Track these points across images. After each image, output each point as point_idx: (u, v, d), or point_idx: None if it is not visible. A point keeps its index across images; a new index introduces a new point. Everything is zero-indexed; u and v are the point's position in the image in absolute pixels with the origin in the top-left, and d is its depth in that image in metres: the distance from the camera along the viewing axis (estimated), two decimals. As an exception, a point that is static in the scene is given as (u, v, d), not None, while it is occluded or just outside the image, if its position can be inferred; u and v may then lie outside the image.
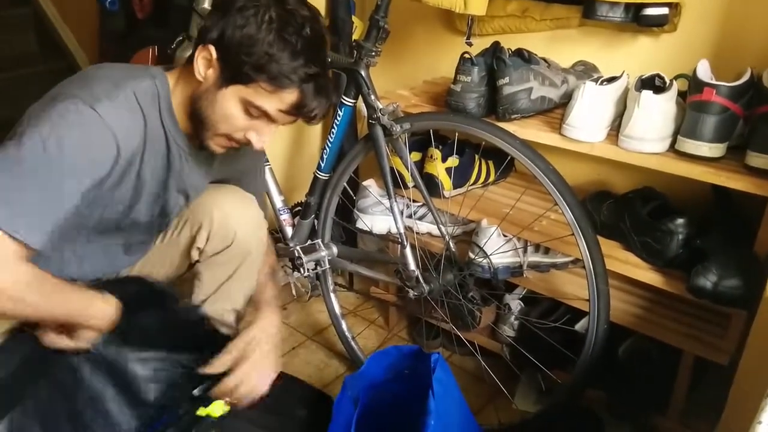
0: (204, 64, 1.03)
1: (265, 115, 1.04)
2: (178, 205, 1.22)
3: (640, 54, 1.50)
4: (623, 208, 1.40)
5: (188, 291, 1.36)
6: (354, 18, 1.85)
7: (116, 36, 2.60)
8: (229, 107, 1.03)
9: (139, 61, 2.12)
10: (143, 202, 1.15)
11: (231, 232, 1.25)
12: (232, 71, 1.01)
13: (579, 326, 1.50)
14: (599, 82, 1.35)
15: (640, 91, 1.25)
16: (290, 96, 1.01)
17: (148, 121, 1.06)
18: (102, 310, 1.03)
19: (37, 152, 0.92)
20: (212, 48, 1.01)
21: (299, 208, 1.69)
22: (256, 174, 1.40)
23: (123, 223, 1.16)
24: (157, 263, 1.32)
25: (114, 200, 1.10)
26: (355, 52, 1.42)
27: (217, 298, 1.34)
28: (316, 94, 1.02)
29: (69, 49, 3.01)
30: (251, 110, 1.03)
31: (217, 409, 1.15)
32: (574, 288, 1.48)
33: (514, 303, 1.60)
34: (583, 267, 1.30)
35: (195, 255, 1.30)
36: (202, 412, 1.14)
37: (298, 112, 1.04)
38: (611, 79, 1.37)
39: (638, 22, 1.39)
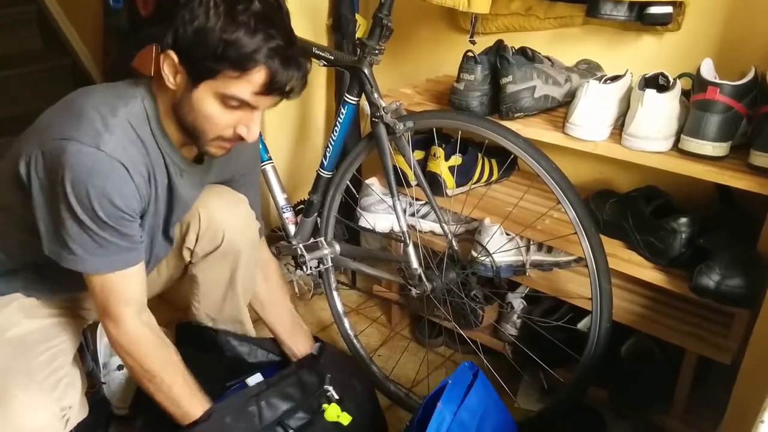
0: (170, 71, 1.01)
1: (243, 104, 1.01)
2: (179, 216, 1.23)
3: (644, 53, 1.50)
4: (626, 207, 1.39)
5: (188, 293, 1.38)
6: (357, 16, 1.85)
7: (120, 33, 2.60)
8: (207, 107, 1.00)
9: (142, 58, 2.12)
10: (160, 222, 1.17)
11: (219, 233, 1.26)
12: (196, 69, 0.98)
13: (581, 325, 1.50)
14: (603, 80, 1.35)
15: (644, 90, 1.25)
16: (259, 76, 0.97)
17: (147, 144, 1.06)
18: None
19: (80, 217, 0.99)
20: (172, 53, 0.99)
21: (302, 206, 1.69)
22: (252, 175, 1.38)
23: (150, 244, 1.19)
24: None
25: (148, 227, 1.14)
26: (359, 50, 1.42)
27: (224, 308, 1.36)
28: (284, 67, 0.98)
29: (73, 47, 3.01)
30: (228, 102, 1.00)
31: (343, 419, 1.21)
32: (577, 287, 1.48)
33: (517, 301, 1.60)
34: (586, 266, 1.30)
35: (187, 256, 1.31)
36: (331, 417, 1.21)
37: (271, 89, 0.99)
38: (615, 78, 1.36)
39: (642, 20, 1.39)
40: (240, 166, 1.31)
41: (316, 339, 1.41)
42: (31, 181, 1.00)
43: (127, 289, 1.07)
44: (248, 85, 0.98)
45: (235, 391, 1.27)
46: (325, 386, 1.22)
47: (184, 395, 1.11)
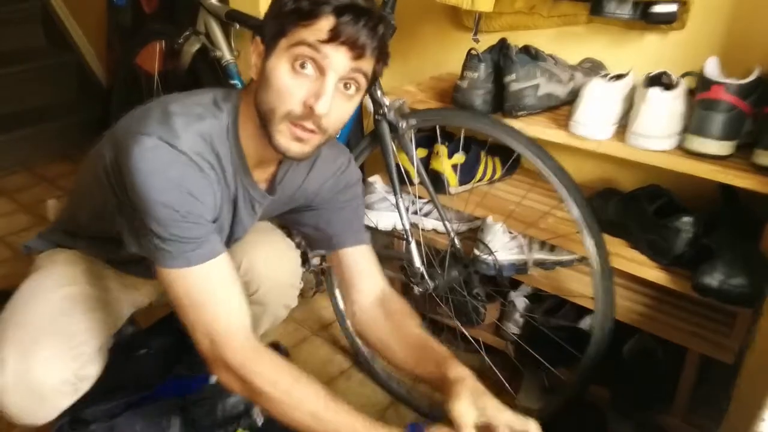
0: (256, 57, 0.98)
1: (312, 62, 0.92)
2: (234, 240, 1.20)
3: (648, 51, 1.49)
4: (629, 206, 1.39)
5: None
6: (361, 14, 1.85)
7: (123, 30, 2.61)
8: (278, 74, 0.93)
9: (146, 56, 2.13)
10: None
11: (254, 284, 1.25)
12: (272, 33, 0.94)
13: (584, 324, 1.50)
14: (607, 79, 1.34)
15: (648, 88, 1.24)
16: (326, 23, 0.90)
17: (222, 161, 1.01)
18: None
19: (161, 217, 0.93)
20: (257, 38, 0.97)
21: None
22: (338, 201, 1.21)
23: None
24: None
25: None
26: (362, 47, 1.42)
27: None
28: (354, 21, 0.90)
29: (76, 44, 3.02)
30: (297, 60, 0.92)
31: None
32: (580, 285, 1.48)
33: (519, 300, 1.60)
34: (589, 265, 1.30)
35: None
36: None
37: (336, 38, 0.90)
38: (619, 77, 1.36)
39: (646, 19, 1.39)
40: (324, 192, 1.20)
41: (272, 346, 1.33)
42: (109, 174, 1.00)
43: (217, 288, 0.98)
44: (315, 32, 0.91)
45: (199, 382, 1.26)
46: (254, 409, 1.18)
47: (324, 409, 0.94)
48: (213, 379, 1.25)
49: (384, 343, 1.13)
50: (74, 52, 3.02)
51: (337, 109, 0.95)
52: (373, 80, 1.00)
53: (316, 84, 0.93)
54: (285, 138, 0.96)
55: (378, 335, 1.14)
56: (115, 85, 2.35)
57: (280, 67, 0.94)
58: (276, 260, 1.25)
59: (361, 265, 1.19)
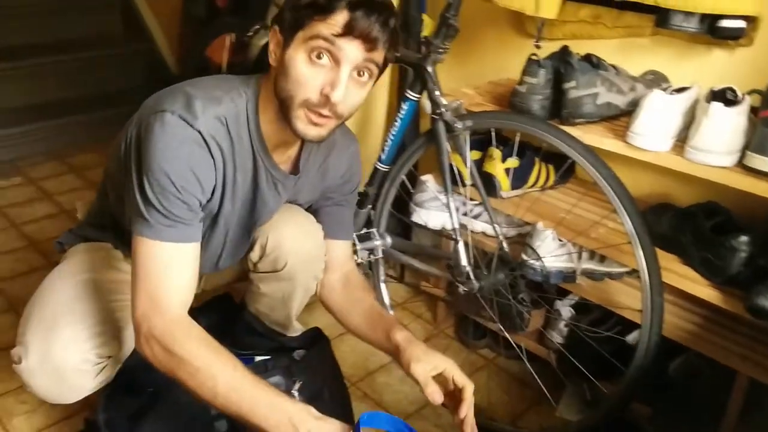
0: (274, 46, 1.04)
1: (328, 54, 0.99)
2: (262, 222, 1.26)
3: (713, 67, 1.46)
4: (685, 222, 1.37)
5: (246, 288, 1.42)
6: (424, 16, 1.87)
7: (197, 22, 2.70)
8: (295, 64, 1.00)
9: (216, 47, 2.20)
10: (240, 221, 1.20)
11: (282, 261, 1.29)
12: (289, 25, 1.01)
13: (630, 338, 1.48)
14: (668, 91, 1.33)
15: (710, 103, 1.22)
16: (341, 17, 0.97)
17: (237, 144, 1.08)
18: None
19: (156, 183, 1.00)
20: (276, 27, 1.04)
21: (357, 197, 1.72)
22: (341, 195, 1.34)
23: (224, 241, 1.23)
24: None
25: (222, 225, 1.17)
26: (423, 47, 1.44)
27: (274, 315, 1.40)
28: (367, 15, 0.97)
29: (150, 32, 3.14)
30: (314, 52, 0.99)
31: None
32: (628, 299, 1.46)
33: (565, 309, 1.59)
34: (639, 278, 1.29)
35: (249, 265, 1.34)
36: None
37: (350, 31, 0.97)
38: (681, 90, 1.34)
39: (713, 33, 1.36)
40: (330, 184, 1.31)
41: (314, 332, 1.35)
42: (127, 148, 1.07)
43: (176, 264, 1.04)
44: (330, 26, 0.97)
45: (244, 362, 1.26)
46: (293, 391, 1.18)
47: (241, 382, 0.99)
48: (257, 359, 1.29)
49: (341, 308, 1.32)
50: (147, 41, 3.14)
51: (350, 95, 1.02)
52: (384, 67, 1.07)
53: (332, 74, 1.00)
54: (302, 123, 1.04)
55: (336, 300, 1.33)
56: (185, 74, 2.44)
57: (298, 58, 1.01)
58: (301, 235, 1.29)
59: (339, 254, 1.35)
